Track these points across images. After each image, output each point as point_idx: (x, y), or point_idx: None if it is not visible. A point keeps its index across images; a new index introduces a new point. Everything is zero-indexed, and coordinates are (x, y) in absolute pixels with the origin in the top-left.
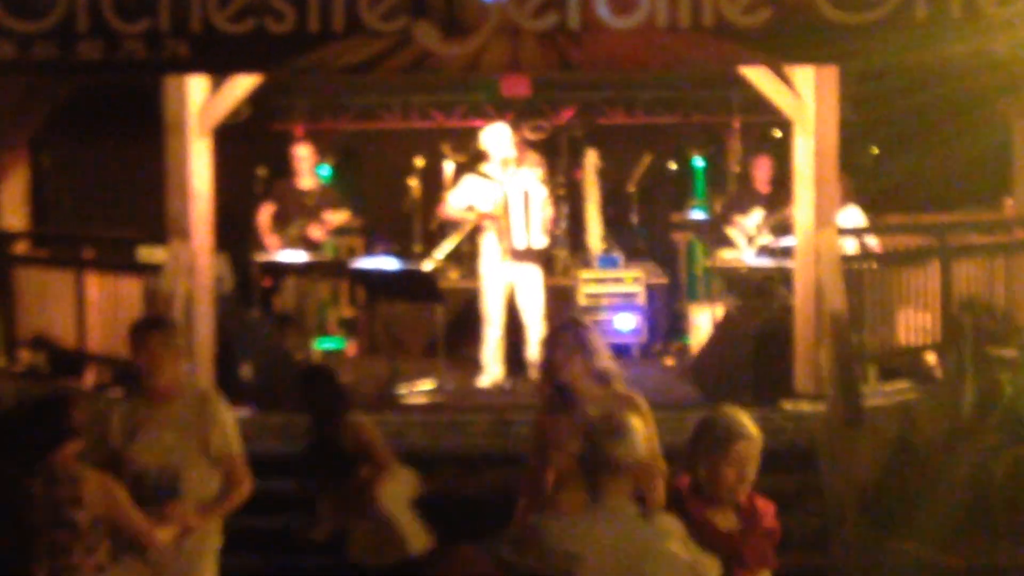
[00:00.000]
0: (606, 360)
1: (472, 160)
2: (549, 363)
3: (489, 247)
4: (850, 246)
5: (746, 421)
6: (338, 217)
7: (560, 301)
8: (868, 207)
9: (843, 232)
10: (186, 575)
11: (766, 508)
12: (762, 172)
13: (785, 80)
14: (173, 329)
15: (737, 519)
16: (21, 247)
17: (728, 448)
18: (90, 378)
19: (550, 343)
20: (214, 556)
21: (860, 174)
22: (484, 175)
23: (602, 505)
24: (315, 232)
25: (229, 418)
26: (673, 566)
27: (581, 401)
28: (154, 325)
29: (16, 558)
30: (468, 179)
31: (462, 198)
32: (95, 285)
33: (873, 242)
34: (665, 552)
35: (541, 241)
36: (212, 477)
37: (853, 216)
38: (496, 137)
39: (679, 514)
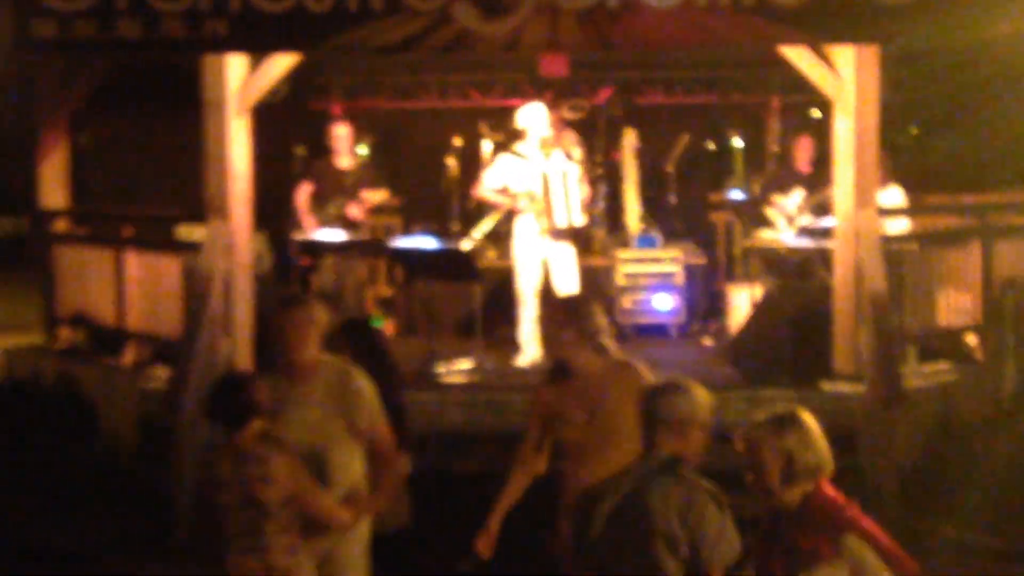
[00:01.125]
0: (602, 329)
1: (509, 139)
2: (544, 336)
3: (523, 227)
4: (892, 226)
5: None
6: (376, 196)
7: (599, 281)
8: (909, 187)
9: (883, 212)
10: (346, 561)
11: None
12: (803, 152)
13: (825, 60)
14: (313, 305)
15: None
16: (61, 225)
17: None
18: (129, 356)
19: (544, 317)
20: (367, 543)
21: (901, 154)
22: (518, 154)
23: (653, 457)
24: (353, 211)
25: (371, 392)
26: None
27: (581, 371)
28: (294, 302)
29: (210, 536)
30: (503, 159)
31: (497, 178)
32: (134, 263)
33: (904, 224)
34: (707, 513)
35: (578, 220)
36: (356, 454)
37: (894, 196)
38: (533, 116)
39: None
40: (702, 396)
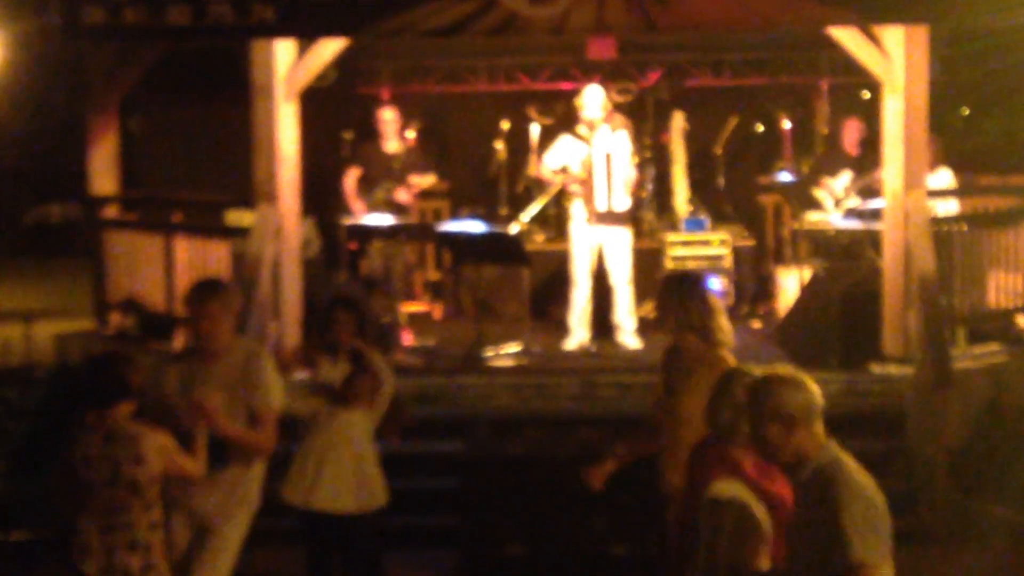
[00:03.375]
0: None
1: (559, 123)
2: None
3: (578, 210)
4: (942, 207)
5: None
6: (425, 180)
7: (647, 264)
8: (959, 168)
9: (933, 194)
10: (224, 513)
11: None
12: (852, 134)
13: (874, 41)
14: (229, 291)
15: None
16: (111, 211)
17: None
18: (179, 341)
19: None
20: (249, 509)
21: (951, 135)
22: (579, 136)
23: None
24: (402, 196)
25: (272, 377)
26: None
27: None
28: (211, 288)
29: (68, 513)
30: (563, 139)
31: (557, 159)
32: (184, 248)
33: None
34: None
35: (625, 202)
36: None
37: (944, 178)
38: (588, 98)
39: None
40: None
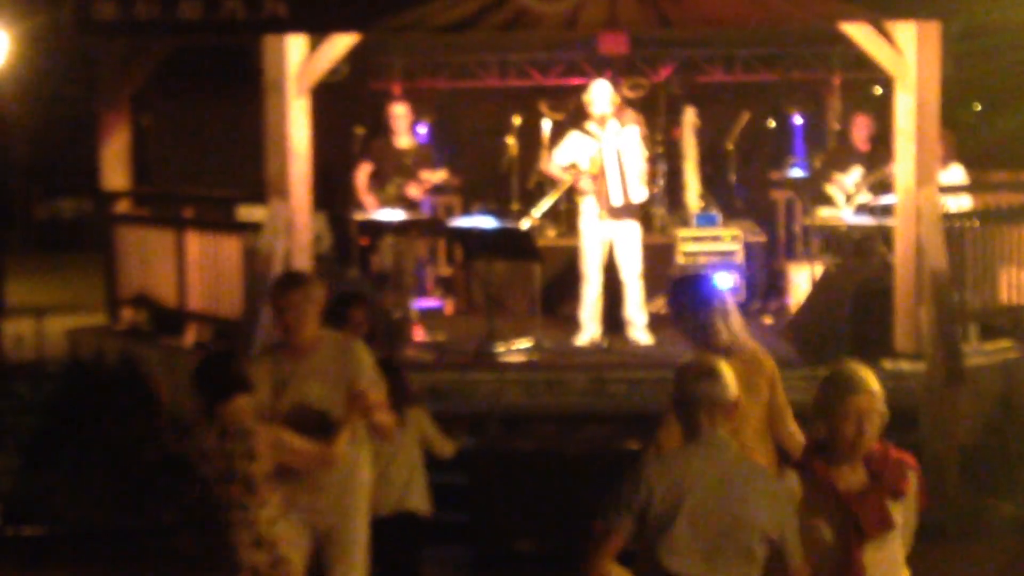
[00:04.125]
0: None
1: (570, 118)
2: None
3: (588, 205)
4: (953, 203)
5: (867, 376)
6: (436, 176)
7: (658, 259)
8: (971, 164)
9: (945, 190)
10: (343, 511)
11: (898, 468)
12: (862, 130)
13: (886, 36)
14: (313, 282)
15: (866, 477)
16: (123, 206)
17: (845, 402)
18: (190, 336)
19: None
20: (367, 490)
21: (962, 131)
22: (588, 132)
23: (699, 442)
24: (413, 191)
25: (370, 360)
26: (771, 505)
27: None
28: (295, 281)
29: (195, 508)
30: (573, 136)
31: (566, 155)
32: (195, 244)
33: (966, 201)
34: (764, 490)
35: (639, 196)
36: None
37: (957, 174)
38: (596, 93)
39: (803, 472)
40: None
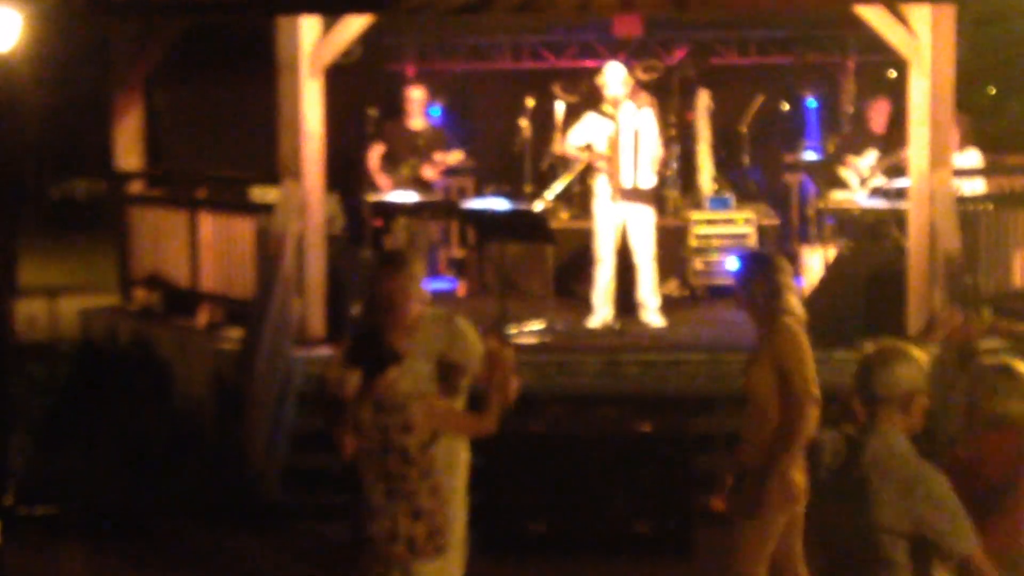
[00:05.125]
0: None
1: (584, 100)
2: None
3: (602, 187)
4: (967, 187)
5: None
6: (452, 157)
7: (671, 242)
8: (985, 148)
9: (959, 173)
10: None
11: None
12: (879, 114)
13: (901, 19)
14: (412, 264)
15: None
16: (136, 187)
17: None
18: (203, 317)
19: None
20: (466, 468)
21: (977, 115)
22: (604, 113)
23: (874, 431)
24: (429, 172)
25: (472, 332)
26: (937, 508)
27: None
28: (395, 264)
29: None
30: (588, 117)
31: (581, 136)
32: (208, 225)
33: (979, 184)
34: (933, 492)
35: (650, 179)
36: (462, 402)
37: (972, 158)
38: (609, 75)
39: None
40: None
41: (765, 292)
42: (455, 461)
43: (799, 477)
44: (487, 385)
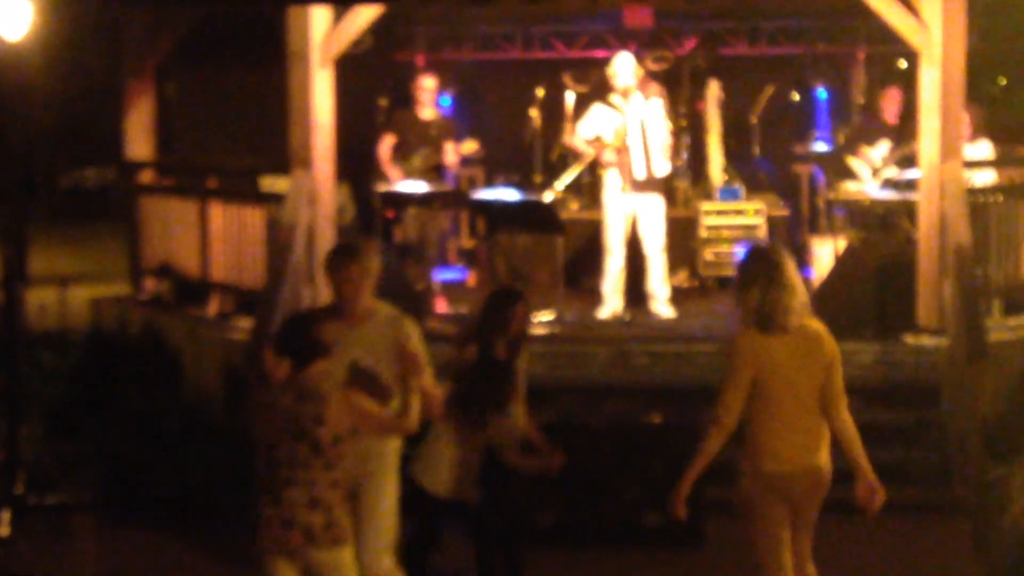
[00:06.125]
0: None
1: (594, 91)
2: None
3: (612, 178)
4: (978, 178)
5: None
6: (467, 147)
7: (681, 233)
8: (997, 139)
9: (970, 165)
10: (369, 475)
11: None
12: (892, 104)
13: (911, 9)
14: (368, 253)
15: None
16: (147, 176)
17: None
18: (214, 306)
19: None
20: (396, 458)
21: (988, 105)
22: (612, 105)
23: None
24: (450, 157)
25: (418, 335)
26: None
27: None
28: (350, 252)
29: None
30: (596, 108)
31: (590, 127)
32: (219, 214)
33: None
34: None
35: (664, 169)
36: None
37: (984, 149)
38: (619, 66)
39: None
40: None
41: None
42: (384, 450)
43: (770, 466)
44: (404, 387)
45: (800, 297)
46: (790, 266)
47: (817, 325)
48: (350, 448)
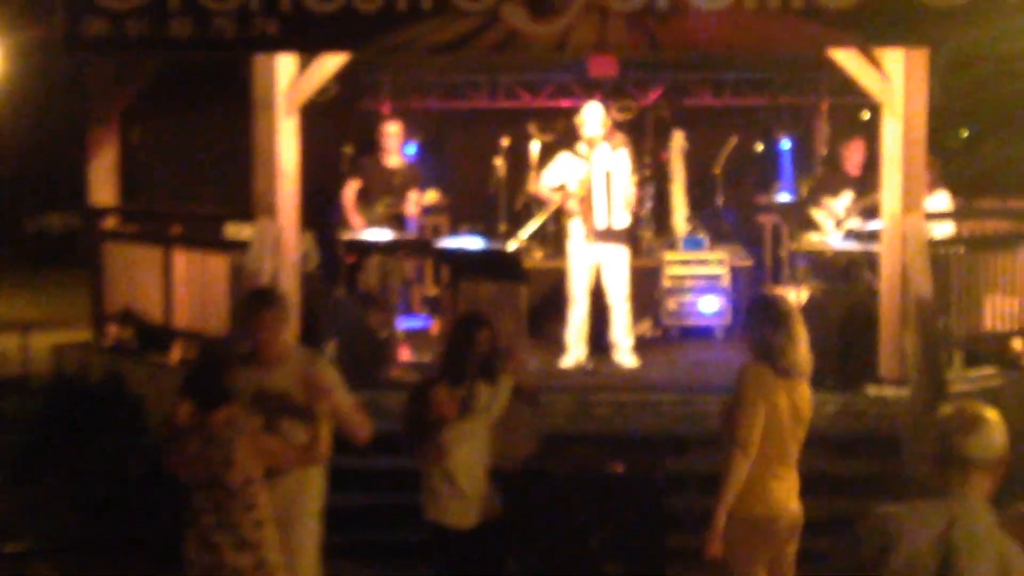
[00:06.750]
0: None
1: (559, 139)
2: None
3: (576, 227)
4: (939, 230)
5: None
6: (428, 198)
7: (645, 282)
8: (958, 191)
9: (931, 217)
10: (292, 518)
11: None
12: (855, 155)
13: (874, 62)
14: (283, 302)
15: None
16: (110, 223)
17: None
18: (177, 353)
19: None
20: (319, 497)
21: (949, 157)
22: (578, 154)
23: (961, 501)
24: (411, 208)
25: (331, 370)
26: None
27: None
28: (266, 299)
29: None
30: (562, 156)
31: (555, 175)
32: (182, 261)
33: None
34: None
35: (623, 221)
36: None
37: (942, 201)
38: (588, 115)
39: None
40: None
41: (753, 336)
42: (308, 487)
43: (759, 509)
44: (314, 415)
45: (803, 349)
46: (797, 317)
47: (806, 382)
48: (267, 488)
